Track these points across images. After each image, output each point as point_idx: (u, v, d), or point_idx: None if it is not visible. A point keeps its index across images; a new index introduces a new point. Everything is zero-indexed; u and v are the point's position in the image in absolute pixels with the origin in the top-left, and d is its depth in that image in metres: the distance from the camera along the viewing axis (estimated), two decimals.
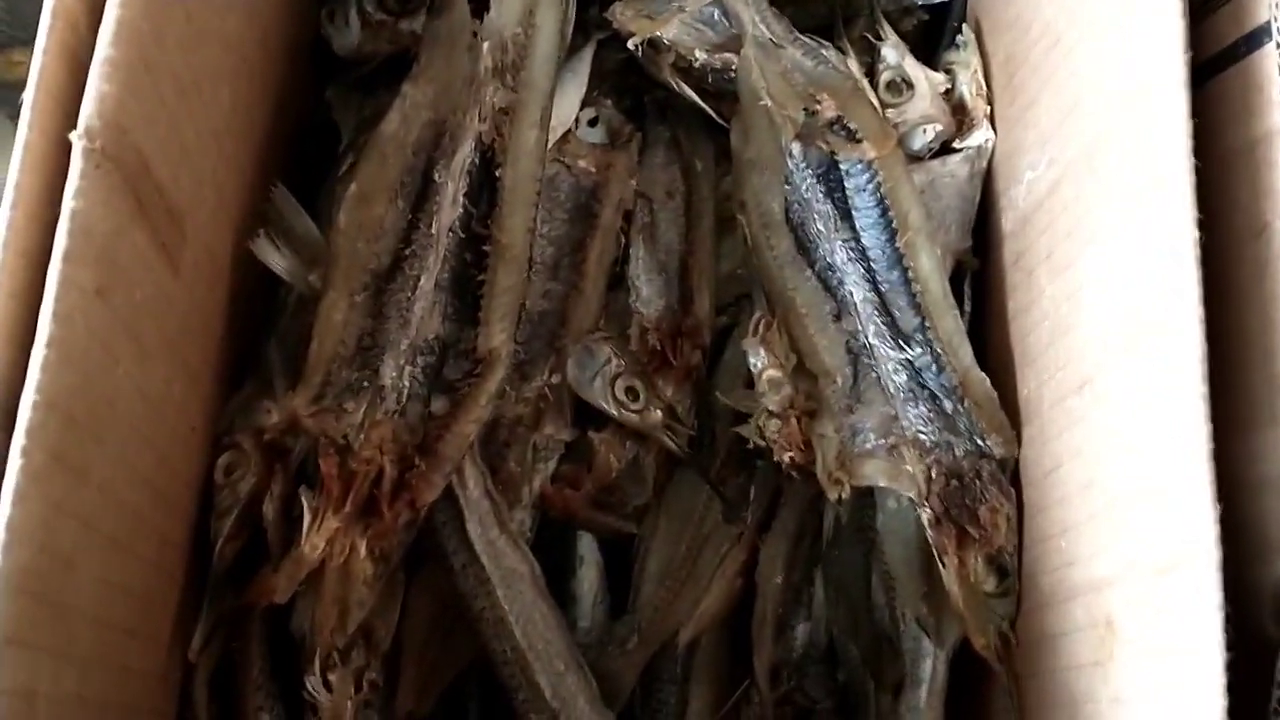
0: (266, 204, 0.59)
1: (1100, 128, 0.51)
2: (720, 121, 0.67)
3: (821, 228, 0.61)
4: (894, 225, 0.59)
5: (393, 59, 0.66)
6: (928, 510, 0.56)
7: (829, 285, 0.61)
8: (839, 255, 0.60)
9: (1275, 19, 0.47)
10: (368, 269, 0.58)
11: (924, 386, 0.58)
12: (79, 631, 0.43)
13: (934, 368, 0.58)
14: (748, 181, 0.63)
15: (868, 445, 0.58)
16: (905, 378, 0.58)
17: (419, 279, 0.58)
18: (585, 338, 0.63)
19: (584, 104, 0.68)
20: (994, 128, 0.65)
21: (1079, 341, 0.51)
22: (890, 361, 0.58)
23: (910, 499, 0.57)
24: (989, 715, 0.58)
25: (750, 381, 0.62)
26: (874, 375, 0.59)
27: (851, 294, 0.60)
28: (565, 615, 0.60)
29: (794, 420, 0.59)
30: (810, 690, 0.62)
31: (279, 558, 0.54)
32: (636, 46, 0.66)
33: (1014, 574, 0.55)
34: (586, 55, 0.67)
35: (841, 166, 0.61)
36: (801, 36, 0.65)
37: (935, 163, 0.65)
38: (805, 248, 0.61)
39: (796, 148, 0.62)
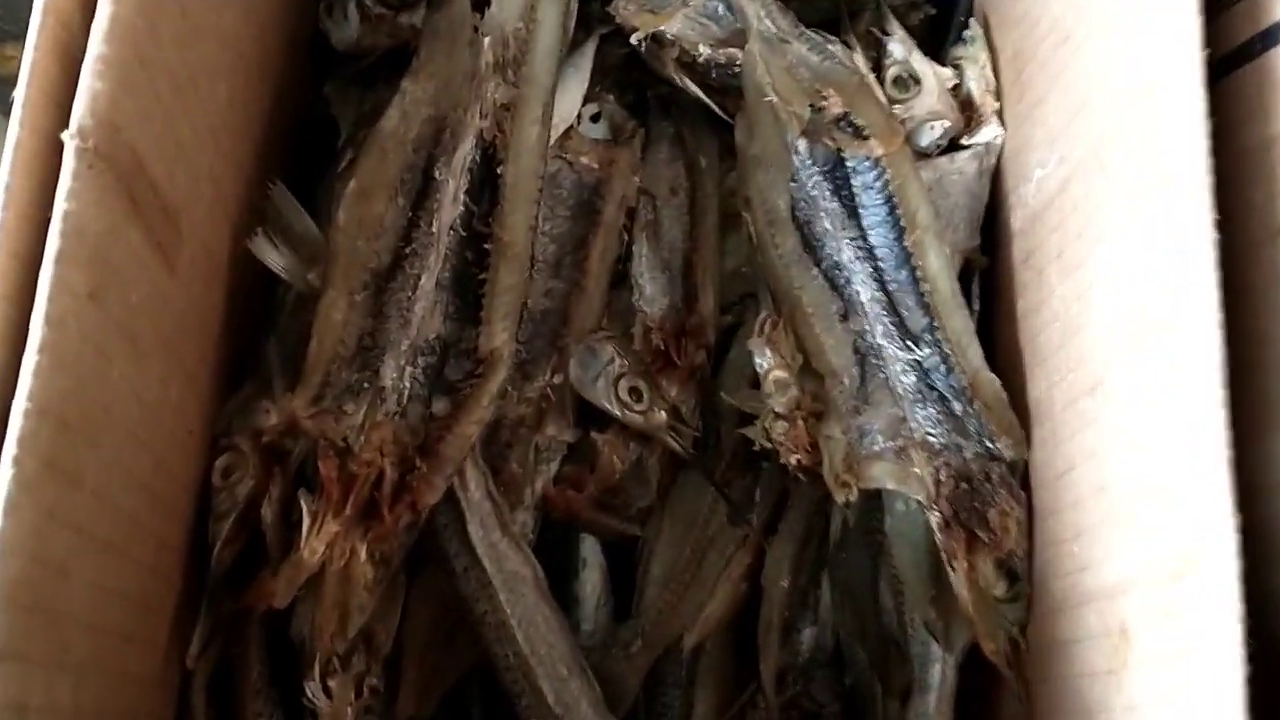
0: (265, 201, 0.58)
1: (1111, 125, 0.50)
2: (724, 117, 0.66)
3: (828, 225, 0.60)
4: (902, 223, 0.58)
5: (392, 53, 0.65)
6: (936, 514, 0.55)
7: (836, 284, 0.60)
8: (846, 253, 0.59)
9: None
10: (367, 267, 0.57)
11: (933, 388, 0.57)
12: (73, 639, 0.42)
13: (943, 368, 0.57)
14: (753, 178, 0.62)
15: (875, 447, 0.57)
16: (914, 379, 0.57)
17: (420, 278, 0.57)
18: (588, 337, 0.62)
19: (586, 99, 0.67)
20: (1003, 124, 0.63)
21: (1091, 342, 0.50)
22: (898, 362, 0.58)
23: (919, 502, 0.56)
24: None
25: (756, 381, 0.61)
26: (882, 376, 0.58)
27: (859, 293, 0.59)
28: (568, 619, 0.60)
29: (800, 422, 0.58)
30: (817, 695, 0.61)
31: (278, 562, 0.54)
32: (639, 41, 0.65)
33: (1024, 578, 0.54)
34: (589, 50, 0.67)
35: (848, 163, 0.60)
36: (807, 31, 0.64)
37: (943, 160, 0.64)
38: (811, 246, 0.61)
39: (802, 144, 0.61)
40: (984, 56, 0.65)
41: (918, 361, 0.57)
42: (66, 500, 0.39)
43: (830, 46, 0.63)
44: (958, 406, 0.57)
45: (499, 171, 0.59)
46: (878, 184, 0.59)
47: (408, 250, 0.58)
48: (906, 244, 0.58)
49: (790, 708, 0.61)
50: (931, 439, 0.56)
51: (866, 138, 0.60)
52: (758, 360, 0.60)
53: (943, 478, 0.56)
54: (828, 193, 0.60)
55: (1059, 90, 0.56)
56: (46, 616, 0.39)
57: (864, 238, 0.59)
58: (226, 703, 0.56)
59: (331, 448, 0.54)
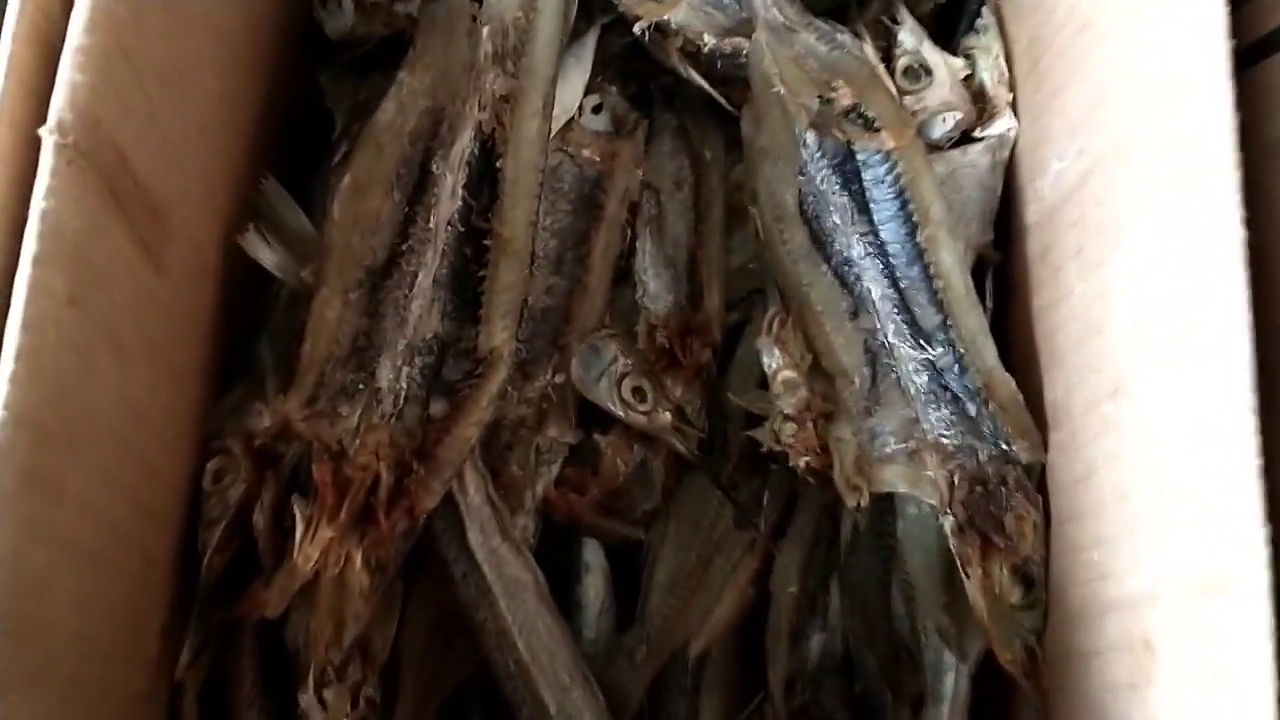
0: (256, 196, 0.56)
1: (1134, 118, 0.49)
2: (730, 109, 0.64)
3: (838, 220, 0.58)
4: (914, 219, 0.57)
5: (388, 42, 0.63)
6: (950, 518, 0.54)
7: (846, 281, 0.58)
8: (856, 250, 0.58)
9: None
10: (363, 265, 0.56)
11: (946, 388, 0.55)
12: (55, 657, 0.40)
13: (956, 368, 0.55)
14: (760, 172, 0.61)
15: (887, 449, 0.56)
16: (926, 379, 0.56)
17: (416, 275, 0.56)
18: (590, 335, 0.61)
19: (588, 91, 0.65)
20: (1016, 116, 0.62)
21: (1113, 344, 0.49)
22: (910, 362, 0.56)
23: (932, 506, 0.55)
24: None
25: (763, 381, 0.59)
26: (893, 376, 0.57)
27: (869, 290, 0.57)
28: (570, 625, 0.58)
29: (810, 423, 0.56)
30: (826, 702, 0.59)
31: (270, 570, 0.52)
32: (643, 30, 0.63)
33: (1041, 585, 0.53)
34: (590, 40, 0.65)
35: (858, 157, 0.58)
36: (815, 20, 0.62)
37: (955, 152, 0.62)
38: (820, 242, 0.59)
39: (811, 137, 0.59)
40: (997, 46, 0.64)
41: (930, 361, 0.56)
42: (47, 514, 0.38)
43: (839, 36, 0.61)
44: (972, 408, 0.55)
45: (498, 165, 0.58)
46: (889, 178, 0.58)
47: (404, 247, 0.56)
48: (919, 240, 0.57)
49: (799, 715, 0.59)
50: (945, 441, 0.55)
51: (877, 130, 0.58)
52: (766, 360, 0.58)
53: (956, 481, 0.54)
54: (837, 187, 0.58)
55: (1078, 80, 0.54)
56: (27, 635, 0.38)
57: (875, 233, 0.58)
58: (218, 715, 0.54)
59: (326, 451, 0.52)
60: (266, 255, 0.55)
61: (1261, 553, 0.38)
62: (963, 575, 0.53)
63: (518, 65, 0.59)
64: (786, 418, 0.56)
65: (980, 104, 0.63)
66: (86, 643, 0.43)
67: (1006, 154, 0.62)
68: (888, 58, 0.64)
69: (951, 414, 0.55)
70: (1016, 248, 0.60)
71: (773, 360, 0.57)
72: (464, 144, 0.57)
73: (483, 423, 0.55)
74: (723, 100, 0.64)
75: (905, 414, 0.56)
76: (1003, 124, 0.62)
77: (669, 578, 0.60)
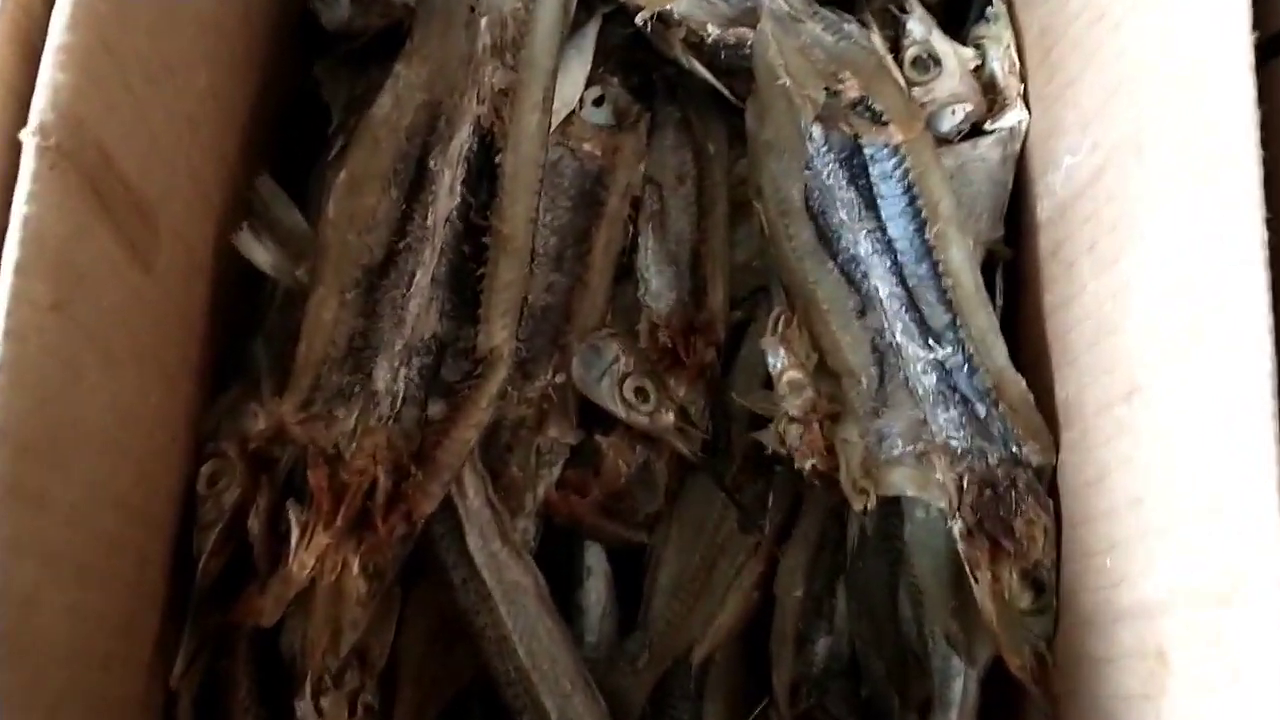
0: (250, 193, 0.55)
1: (1150, 111, 0.47)
2: (734, 101, 0.63)
3: (844, 216, 0.57)
4: (923, 215, 0.55)
5: (387, 33, 0.62)
6: (959, 521, 0.52)
7: (852, 279, 0.57)
8: (863, 246, 0.56)
9: None
10: (359, 263, 0.54)
11: (955, 389, 0.54)
12: (45, 672, 0.39)
13: (966, 369, 0.54)
14: (765, 166, 0.59)
15: (895, 451, 0.55)
16: (935, 379, 0.54)
17: (414, 274, 0.55)
18: (591, 334, 0.59)
19: (589, 83, 0.63)
20: (1028, 107, 0.60)
21: (1128, 344, 0.47)
22: (919, 361, 0.55)
23: (940, 509, 0.54)
24: None
25: (768, 380, 0.58)
26: (901, 376, 0.55)
27: (877, 288, 0.56)
28: (571, 630, 0.57)
29: (816, 424, 0.55)
30: (832, 707, 0.58)
31: (265, 576, 0.51)
32: (645, 21, 0.62)
33: (1051, 590, 0.52)
34: (591, 31, 0.63)
35: (866, 151, 0.57)
36: (821, 9, 0.61)
37: (965, 145, 0.61)
38: (827, 238, 0.58)
39: (817, 130, 0.58)
40: (1008, 35, 0.62)
41: (939, 361, 0.55)
42: (32, 528, 0.37)
43: (846, 26, 0.60)
44: (981, 409, 0.54)
45: (497, 161, 0.56)
46: (897, 172, 0.56)
47: (401, 245, 0.55)
48: (927, 236, 0.55)
49: None
50: (954, 443, 0.54)
51: (885, 123, 0.57)
52: (771, 360, 0.57)
53: (965, 484, 0.53)
54: (844, 181, 0.57)
55: (1092, 71, 0.53)
56: (14, 651, 0.37)
57: (882, 229, 0.56)
58: None
59: (321, 455, 0.51)
60: (260, 254, 0.54)
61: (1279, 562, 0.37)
62: (971, 580, 0.52)
63: (517, 58, 0.58)
64: (792, 419, 0.55)
65: (990, 95, 0.61)
66: (78, 653, 0.42)
67: (1017, 147, 0.60)
68: (895, 48, 0.62)
69: (961, 415, 0.54)
70: (1027, 244, 0.59)
71: (778, 360, 0.56)
72: (462, 139, 0.56)
73: (482, 424, 0.54)
74: (726, 92, 0.63)
75: (913, 415, 0.55)
76: (1014, 116, 0.60)
77: (672, 581, 0.59)
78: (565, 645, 0.55)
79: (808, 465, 0.55)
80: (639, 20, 0.62)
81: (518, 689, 0.54)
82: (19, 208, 0.35)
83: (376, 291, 0.54)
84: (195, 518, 0.52)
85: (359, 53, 0.63)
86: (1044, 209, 0.58)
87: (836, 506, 0.59)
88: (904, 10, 0.63)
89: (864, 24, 0.61)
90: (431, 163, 0.56)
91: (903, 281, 0.56)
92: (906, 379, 0.55)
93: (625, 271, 0.62)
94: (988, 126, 0.61)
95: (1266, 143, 0.40)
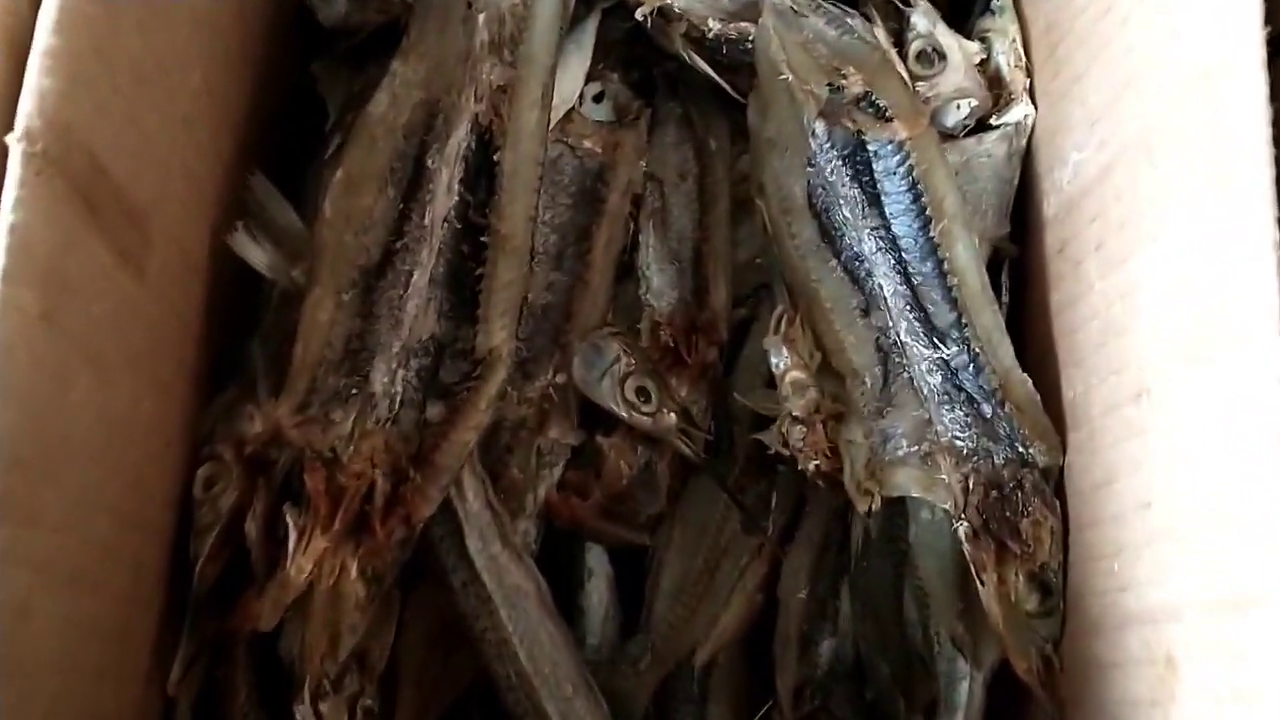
0: (245, 193, 0.54)
1: (1160, 109, 0.46)
2: (736, 97, 0.62)
3: (848, 214, 0.56)
4: (927, 212, 0.55)
5: (383, 29, 0.61)
6: (965, 523, 0.52)
7: (856, 277, 0.56)
8: (867, 244, 0.56)
9: None
10: (356, 264, 0.54)
11: (960, 388, 0.53)
12: (38, 683, 0.39)
13: (971, 368, 0.53)
14: (767, 163, 0.59)
15: (899, 452, 0.54)
16: (940, 379, 0.54)
17: (412, 274, 0.54)
18: (592, 334, 0.59)
19: (589, 79, 0.63)
20: (1034, 102, 0.59)
21: (1136, 345, 0.47)
22: (924, 361, 0.54)
23: (945, 510, 0.53)
24: None
25: (771, 379, 0.57)
26: (906, 376, 0.55)
27: (881, 287, 0.55)
28: (573, 632, 0.57)
29: (819, 425, 0.54)
30: (836, 709, 0.58)
31: (263, 581, 0.51)
32: (645, 15, 0.61)
33: (1058, 593, 0.51)
34: (591, 26, 0.63)
35: (869, 147, 0.56)
36: (824, 3, 0.60)
37: (970, 141, 0.60)
38: (830, 236, 0.57)
39: (820, 126, 0.57)
40: (1013, 29, 0.61)
41: (944, 360, 0.54)
42: (23, 541, 0.36)
43: (849, 20, 0.59)
44: (987, 409, 0.53)
45: (496, 159, 0.56)
46: (901, 169, 0.55)
47: (399, 245, 0.54)
48: (932, 234, 0.55)
49: None
50: (959, 443, 0.53)
51: (889, 119, 0.56)
52: (774, 360, 0.56)
53: (971, 485, 0.52)
54: (847, 178, 0.56)
55: (1100, 68, 0.52)
56: (7, 663, 0.37)
57: (886, 227, 0.56)
58: None
59: (318, 459, 0.51)
60: (256, 255, 0.54)
61: None
62: (977, 582, 0.52)
63: (515, 54, 0.57)
64: (795, 420, 0.55)
65: (996, 90, 0.61)
66: (71, 664, 0.41)
67: (1023, 142, 0.60)
68: (899, 41, 0.62)
69: (966, 415, 0.53)
70: (1033, 241, 0.58)
71: (781, 360, 0.55)
72: (460, 137, 0.55)
73: (481, 426, 0.54)
74: (728, 88, 0.62)
75: (918, 415, 0.54)
76: (1019, 110, 0.60)
77: (674, 583, 0.59)
78: (567, 649, 0.55)
79: (811, 466, 0.55)
80: (639, 15, 0.61)
81: (519, 693, 0.54)
82: (5, 215, 0.35)
83: (374, 292, 0.54)
84: (191, 522, 0.51)
85: (356, 49, 0.62)
86: (1050, 206, 0.57)
87: (840, 508, 0.58)
88: (908, 3, 0.63)
89: (867, 18, 0.61)
90: (429, 161, 0.55)
91: (907, 280, 0.55)
92: (911, 379, 0.54)
93: (626, 270, 0.62)
94: (993, 121, 0.61)
95: (1279, 141, 0.40)
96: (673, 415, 0.57)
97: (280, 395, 0.52)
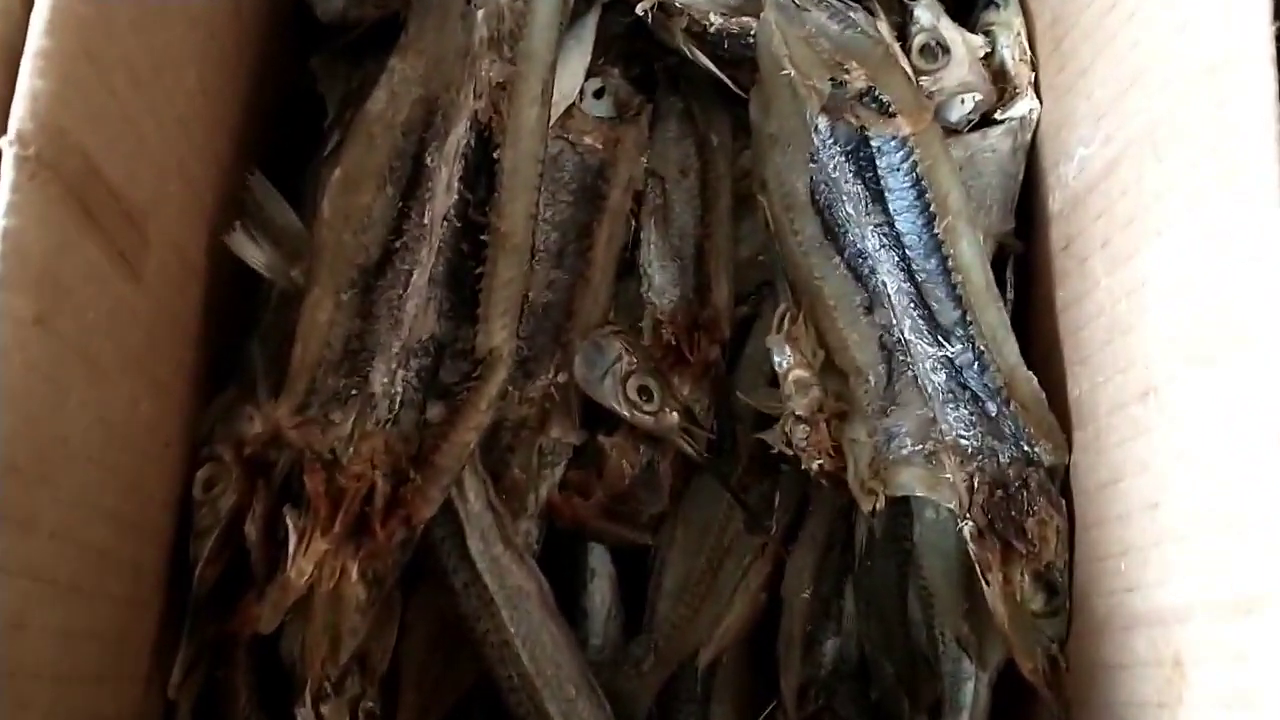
0: (243, 192, 0.54)
1: (1167, 104, 0.46)
2: (738, 92, 0.62)
3: (851, 210, 0.56)
4: (931, 208, 0.54)
5: (384, 25, 0.60)
6: (970, 522, 0.51)
7: (859, 274, 0.56)
8: (870, 241, 0.55)
9: None
10: (355, 263, 0.53)
11: (965, 387, 0.53)
12: (36, 691, 0.38)
13: (976, 366, 0.53)
14: (769, 159, 0.58)
15: (904, 451, 0.54)
16: (944, 377, 0.53)
17: (411, 274, 0.53)
18: (593, 332, 0.59)
19: (589, 74, 0.62)
20: (1039, 97, 0.59)
21: (1143, 344, 0.46)
22: (928, 359, 0.53)
23: (950, 510, 0.53)
24: None
25: (774, 377, 0.57)
26: (910, 374, 0.54)
27: (885, 284, 0.55)
28: (576, 633, 0.57)
29: (823, 424, 0.54)
30: (840, 709, 0.58)
31: (263, 583, 0.50)
32: (646, 10, 0.61)
33: (1064, 592, 0.51)
34: (591, 21, 0.62)
35: (873, 143, 0.56)
36: None
37: (974, 136, 0.60)
38: (833, 232, 0.56)
39: (823, 122, 0.56)
40: (1018, 22, 0.61)
41: (949, 358, 0.53)
42: (19, 549, 0.36)
43: (852, 14, 0.58)
44: (992, 407, 0.53)
45: (496, 156, 0.55)
46: (905, 165, 0.55)
47: (398, 244, 0.54)
48: (937, 230, 0.54)
49: None
50: (964, 442, 0.53)
51: (893, 114, 0.55)
52: (777, 359, 0.55)
53: (976, 484, 0.52)
54: (850, 174, 0.56)
55: (1105, 62, 0.51)
56: (2, 673, 0.36)
57: (890, 224, 0.55)
58: None
59: (318, 460, 0.51)
60: (254, 255, 0.53)
61: None
62: (982, 581, 0.51)
63: (515, 50, 0.57)
64: (798, 419, 0.54)
65: (1000, 84, 0.60)
66: (68, 672, 0.41)
67: (1028, 137, 0.59)
68: (903, 35, 0.61)
69: (971, 414, 0.53)
70: (1038, 237, 0.58)
71: (784, 359, 0.55)
72: (459, 135, 0.55)
73: (482, 427, 0.53)
74: (730, 82, 0.62)
75: (922, 414, 0.54)
76: (1024, 105, 0.59)
77: (678, 583, 0.58)
78: (569, 650, 0.55)
79: (815, 465, 0.54)
80: (640, 9, 0.61)
81: (521, 695, 0.54)
82: None
83: (373, 292, 0.53)
84: (191, 524, 0.51)
85: (355, 44, 0.62)
86: (1055, 201, 0.56)
87: (844, 507, 0.58)
88: None
89: (870, 11, 0.60)
90: (428, 159, 0.55)
91: (911, 277, 0.54)
92: (915, 377, 0.54)
93: (628, 267, 0.61)
94: (998, 116, 0.60)
95: None
96: (675, 414, 0.57)
97: (280, 396, 0.52)
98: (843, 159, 0.56)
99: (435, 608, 0.55)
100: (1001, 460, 0.52)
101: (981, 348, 0.53)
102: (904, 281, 0.54)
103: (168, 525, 0.50)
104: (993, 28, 0.61)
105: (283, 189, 0.55)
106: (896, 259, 0.55)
